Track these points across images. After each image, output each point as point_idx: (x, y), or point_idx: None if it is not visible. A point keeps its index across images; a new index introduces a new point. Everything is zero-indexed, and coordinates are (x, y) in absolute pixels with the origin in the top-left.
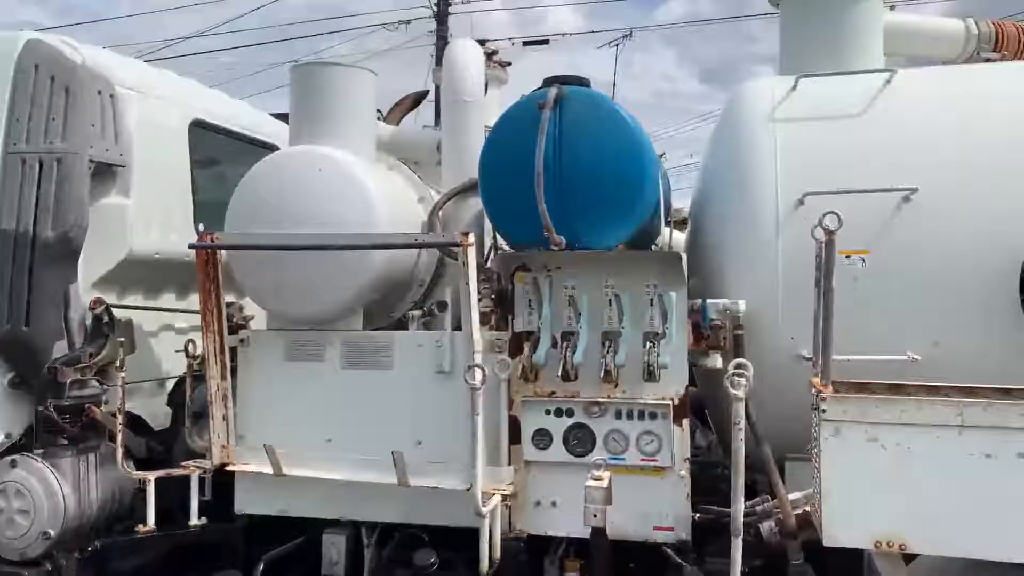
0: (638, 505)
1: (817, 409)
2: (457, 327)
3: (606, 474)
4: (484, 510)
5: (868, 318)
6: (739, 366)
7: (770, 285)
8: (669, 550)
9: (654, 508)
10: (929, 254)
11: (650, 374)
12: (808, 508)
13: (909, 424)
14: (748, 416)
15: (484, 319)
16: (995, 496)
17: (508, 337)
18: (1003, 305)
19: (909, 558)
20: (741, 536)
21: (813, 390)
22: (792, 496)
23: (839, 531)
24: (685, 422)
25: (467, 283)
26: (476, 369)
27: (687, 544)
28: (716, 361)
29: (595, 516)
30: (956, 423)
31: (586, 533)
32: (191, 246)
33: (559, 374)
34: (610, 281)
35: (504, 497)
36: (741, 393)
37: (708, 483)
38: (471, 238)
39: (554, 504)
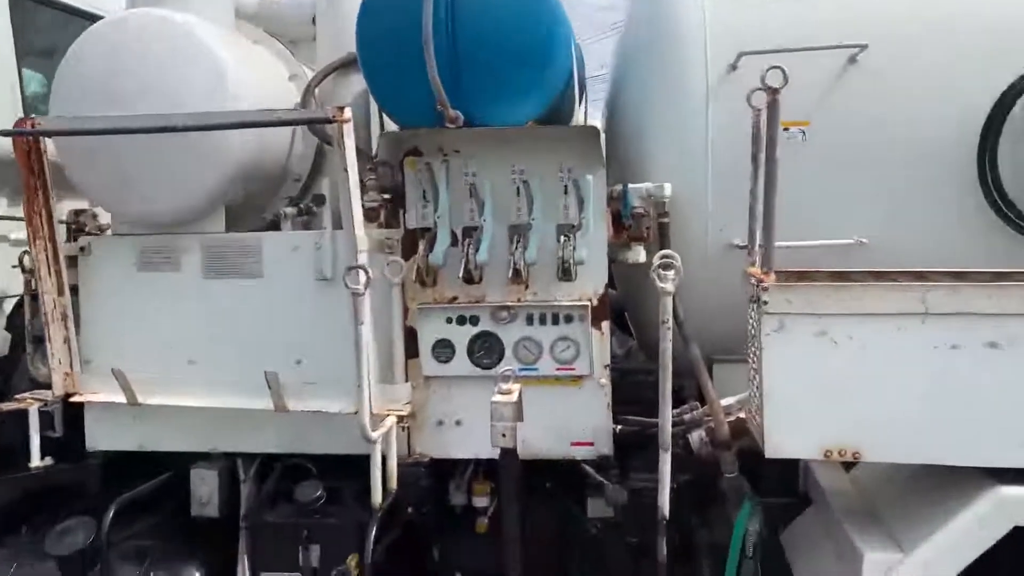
0: (553, 419)
1: (757, 301)
2: (339, 226)
3: (515, 387)
4: (374, 436)
5: (809, 199)
6: (666, 257)
7: (699, 166)
8: (588, 467)
9: (571, 422)
10: (877, 123)
11: (565, 272)
12: (743, 414)
13: (864, 314)
14: (676, 314)
15: (371, 215)
16: (961, 394)
17: (400, 235)
18: (960, 180)
19: (850, 466)
20: (670, 450)
21: (752, 280)
22: (724, 402)
23: (783, 440)
24: (605, 325)
25: (345, 169)
26: (358, 271)
27: (608, 460)
28: (639, 255)
29: (503, 436)
30: (919, 310)
31: (496, 454)
32: (4, 133)
33: (460, 276)
34: (517, 165)
35: (400, 419)
36: (670, 287)
37: (630, 391)
38: (347, 112)
39: (459, 423)
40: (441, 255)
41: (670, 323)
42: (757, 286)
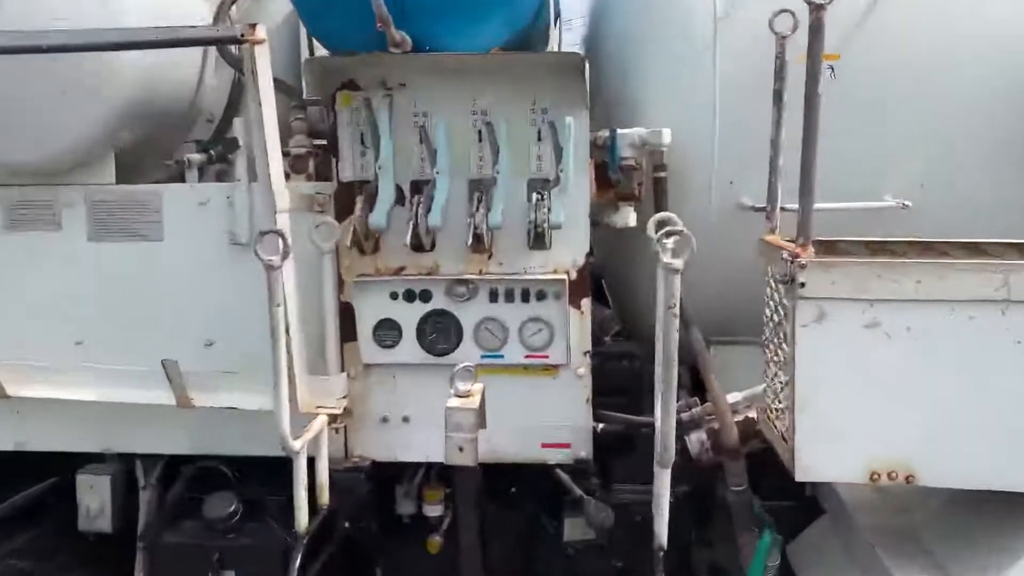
0: (521, 416)
1: (790, 281)
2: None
3: (476, 388)
4: (296, 445)
5: (835, 150)
6: (665, 224)
7: (703, 108)
8: (563, 473)
9: (543, 419)
10: (921, 59)
11: (538, 239)
12: (752, 413)
13: (928, 300)
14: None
15: (296, 165)
16: None
17: (332, 190)
18: (1014, 133)
19: None
20: (670, 467)
21: (784, 254)
22: (730, 398)
23: (820, 461)
24: (585, 303)
25: (259, 103)
26: (274, 237)
27: (587, 464)
28: (628, 217)
29: (461, 450)
30: (999, 297)
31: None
32: None
33: (408, 242)
34: (479, 103)
35: (333, 418)
36: (678, 263)
37: (610, 379)
38: (260, 31)
39: (406, 420)
40: (384, 216)
41: (678, 308)
42: (792, 262)
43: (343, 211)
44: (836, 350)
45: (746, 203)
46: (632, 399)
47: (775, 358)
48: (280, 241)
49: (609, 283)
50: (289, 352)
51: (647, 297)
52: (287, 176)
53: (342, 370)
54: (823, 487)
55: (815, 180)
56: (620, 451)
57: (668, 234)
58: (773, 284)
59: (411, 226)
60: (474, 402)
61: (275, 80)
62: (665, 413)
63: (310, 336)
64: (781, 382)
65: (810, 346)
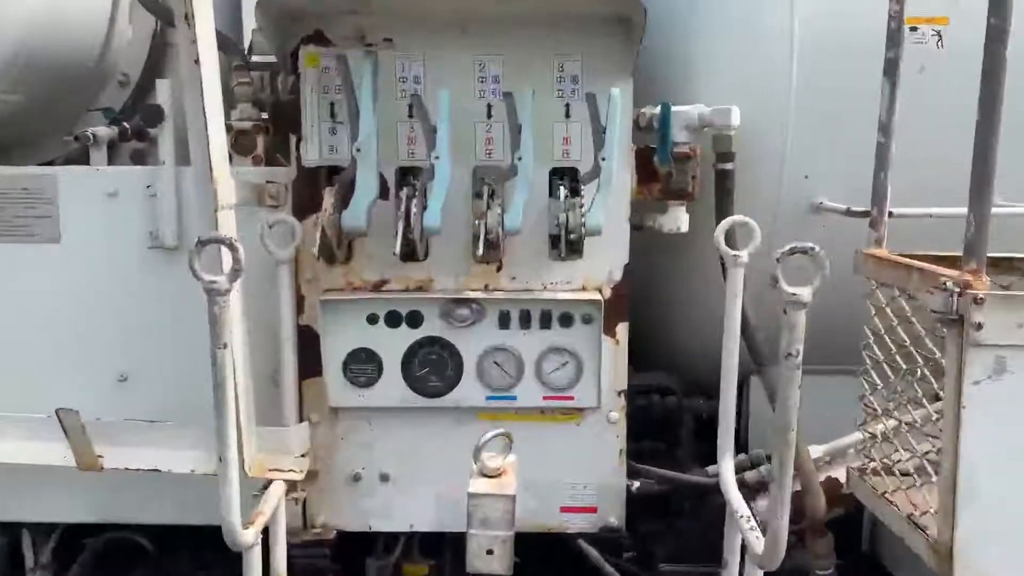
0: (536, 473)
1: (957, 321)
2: (188, 160)
3: (510, 462)
4: (248, 537)
5: (940, 137)
6: (740, 230)
7: (776, 86)
8: (589, 546)
9: (564, 476)
10: None
11: (571, 247)
12: (838, 473)
13: None
14: (745, 320)
15: (242, 145)
16: None
17: (291, 179)
18: None
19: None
20: (775, 567)
21: (948, 283)
22: (813, 451)
23: (994, 563)
24: (622, 329)
25: (195, 60)
26: (217, 247)
27: (620, 534)
28: (679, 220)
29: (490, 553)
30: None
31: (440, 525)
32: None
33: (397, 249)
34: (489, 64)
35: (292, 485)
36: (806, 294)
37: (637, 421)
38: None
39: (385, 479)
40: (362, 213)
41: (800, 357)
42: (960, 294)
43: (305, 206)
44: (1021, 417)
45: (822, 202)
46: (668, 444)
47: (912, 420)
48: (229, 253)
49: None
50: (236, 403)
51: (691, 318)
52: (229, 159)
53: (301, 418)
54: (883, 541)
55: (992, 175)
56: (662, 515)
57: (791, 252)
58: (909, 315)
59: (400, 228)
60: (509, 485)
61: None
62: (779, 504)
63: (259, 372)
64: (923, 449)
65: (984, 410)
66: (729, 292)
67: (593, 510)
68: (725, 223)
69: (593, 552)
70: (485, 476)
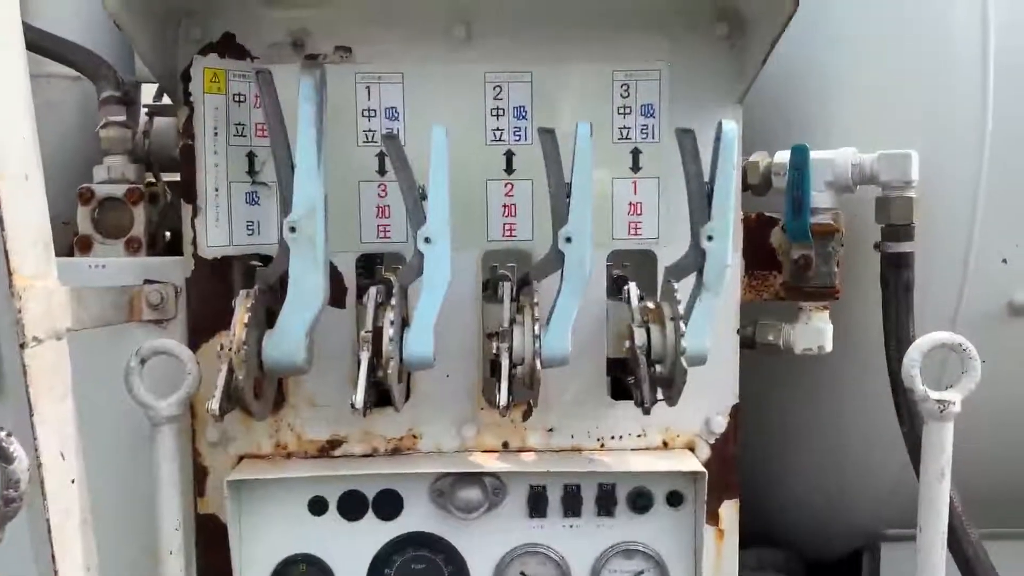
0: None
1: None
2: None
3: None
4: None
5: None
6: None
7: (959, 124)
8: None
9: None
10: None
11: (661, 386)
12: None
13: None
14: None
15: (110, 223)
16: None
17: (186, 275)
18: None
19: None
20: None
21: None
22: None
23: None
24: (729, 512)
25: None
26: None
27: None
28: (822, 335)
29: None
30: None
31: None
32: None
33: (357, 402)
34: (510, 87)
35: None
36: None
37: None
38: None
39: None
40: (299, 336)
41: None
42: None
43: (206, 323)
44: None
45: None
46: None
47: None
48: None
49: None
50: None
51: (812, 466)
52: (82, 245)
53: None
54: None
55: None
56: None
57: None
58: None
59: (363, 363)
60: None
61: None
62: None
63: None
64: None
65: None
66: (927, 453)
67: None
68: (922, 344)
69: None
70: None
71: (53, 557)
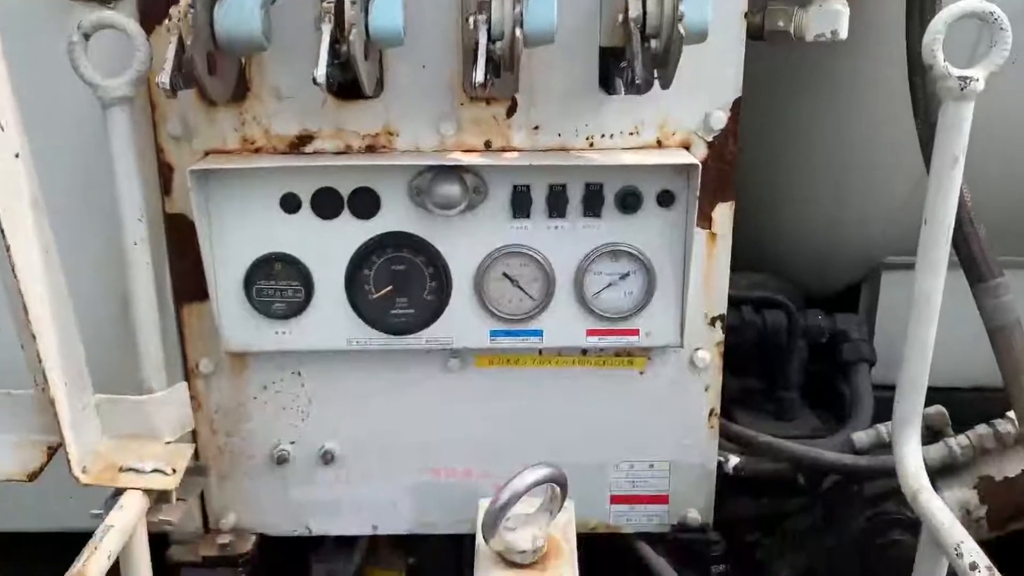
0: (577, 444)
1: None
2: None
3: (560, 530)
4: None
5: None
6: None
7: None
8: (652, 551)
9: (618, 449)
10: None
11: (655, 64)
12: None
13: None
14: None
15: None
16: None
17: None
18: None
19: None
20: None
21: None
22: None
23: None
24: (723, 214)
25: None
26: None
27: (706, 533)
28: (835, 18)
29: None
30: None
31: (417, 525)
32: None
33: (318, 75)
34: None
35: (161, 495)
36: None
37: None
38: None
39: (329, 458)
40: (257, 7)
41: None
42: None
43: (159, 5)
44: None
45: None
46: (768, 383)
47: None
48: None
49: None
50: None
51: (819, 187)
52: None
53: (185, 376)
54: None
55: None
56: (768, 513)
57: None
58: None
59: (325, 36)
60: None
61: None
62: None
63: (92, 299)
64: None
65: None
66: (941, 136)
67: (663, 499)
68: (948, 15)
69: (659, 562)
70: (510, 566)
71: (2, 232)
